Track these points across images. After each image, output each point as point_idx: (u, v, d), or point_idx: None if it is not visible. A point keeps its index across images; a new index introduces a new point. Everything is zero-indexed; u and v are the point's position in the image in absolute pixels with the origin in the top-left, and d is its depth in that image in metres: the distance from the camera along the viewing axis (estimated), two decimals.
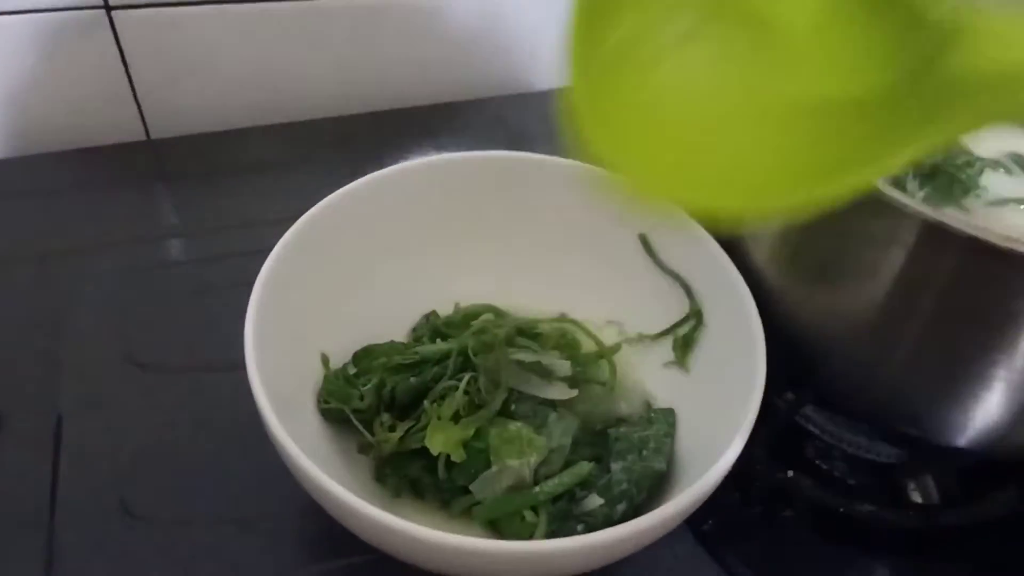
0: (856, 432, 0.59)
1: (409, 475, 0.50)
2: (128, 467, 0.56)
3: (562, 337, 0.56)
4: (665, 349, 0.57)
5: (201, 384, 0.60)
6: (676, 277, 0.57)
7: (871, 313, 0.49)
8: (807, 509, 0.57)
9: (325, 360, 0.54)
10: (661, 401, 0.56)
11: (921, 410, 0.52)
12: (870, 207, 0.45)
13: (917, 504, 0.59)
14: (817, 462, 0.60)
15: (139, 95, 0.78)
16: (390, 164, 0.58)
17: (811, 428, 0.60)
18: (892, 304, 0.48)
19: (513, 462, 0.48)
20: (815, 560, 0.55)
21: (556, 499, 0.48)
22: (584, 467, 0.48)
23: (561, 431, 0.50)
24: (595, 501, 0.47)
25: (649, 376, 0.57)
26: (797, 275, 0.53)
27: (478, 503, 0.49)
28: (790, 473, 0.58)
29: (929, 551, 0.56)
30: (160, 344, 0.63)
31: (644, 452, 0.49)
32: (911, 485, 0.59)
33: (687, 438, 0.53)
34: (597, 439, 0.52)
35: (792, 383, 0.58)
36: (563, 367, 0.53)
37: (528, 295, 0.60)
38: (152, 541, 0.53)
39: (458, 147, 0.60)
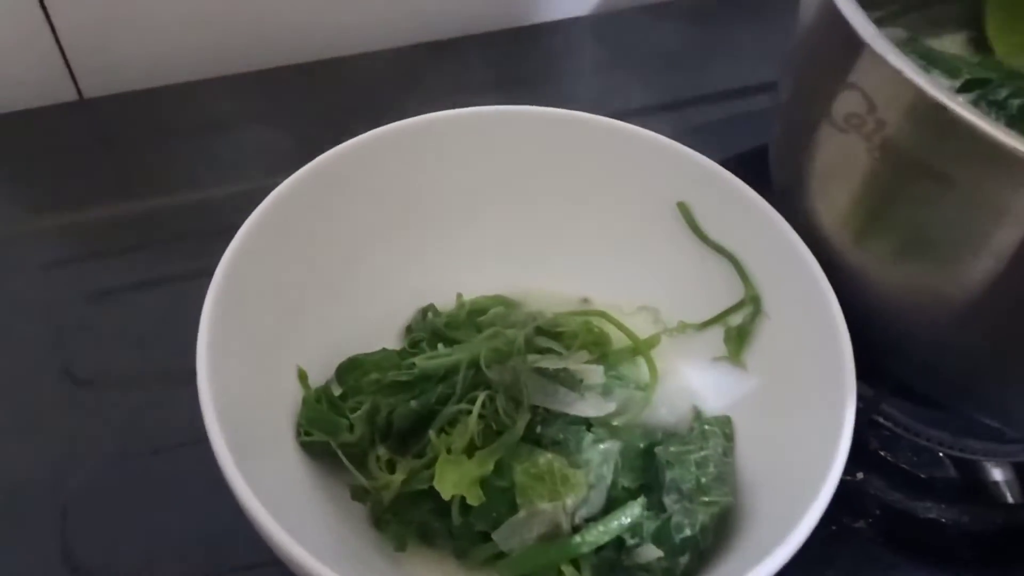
0: (940, 426, 0.50)
1: (415, 521, 0.41)
2: (69, 507, 0.47)
3: (588, 332, 0.46)
4: (712, 341, 0.48)
5: (156, 401, 0.51)
6: (726, 254, 0.47)
7: (975, 289, 0.40)
8: (883, 518, 0.49)
9: (303, 376, 0.44)
10: (711, 406, 0.47)
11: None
12: (983, 157, 0.35)
13: (1006, 503, 0.50)
14: (883, 454, 0.51)
15: (65, 47, 0.67)
16: (371, 118, 0.48)
17: (881, 420, 0.51)
18: (1004, 277, 0.38)
19: (545, 505, 0.38)
20: None
21: (600, 548, 0.39)
22: (634, 510, 0.39)
23: (601, 458, 0.41)
24: (652, 552, 0.38)
25: (694, 375, 0.48)
26: (880, 247, 0.43)
27: (503, 554, 0.40)
28: (859, 475, 0.49)
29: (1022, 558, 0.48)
30: (103, 353, 0.54)
31: (703, 480, 0.40)
32: (994, 479, 0.51)
33: (747, 449, 0.44)
34: (641, 461, 0.42)
35: (865, 374, 0.49)
36: (595, 373, 0.44)
37: (543, 279, 0.51)
38: None
39: (452, 97, 0.51)
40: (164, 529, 0.46)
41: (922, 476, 0.50)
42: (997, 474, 0.51)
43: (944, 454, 0.51)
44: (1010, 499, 0.50)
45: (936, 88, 0.35)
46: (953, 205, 0.38)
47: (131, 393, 0.52)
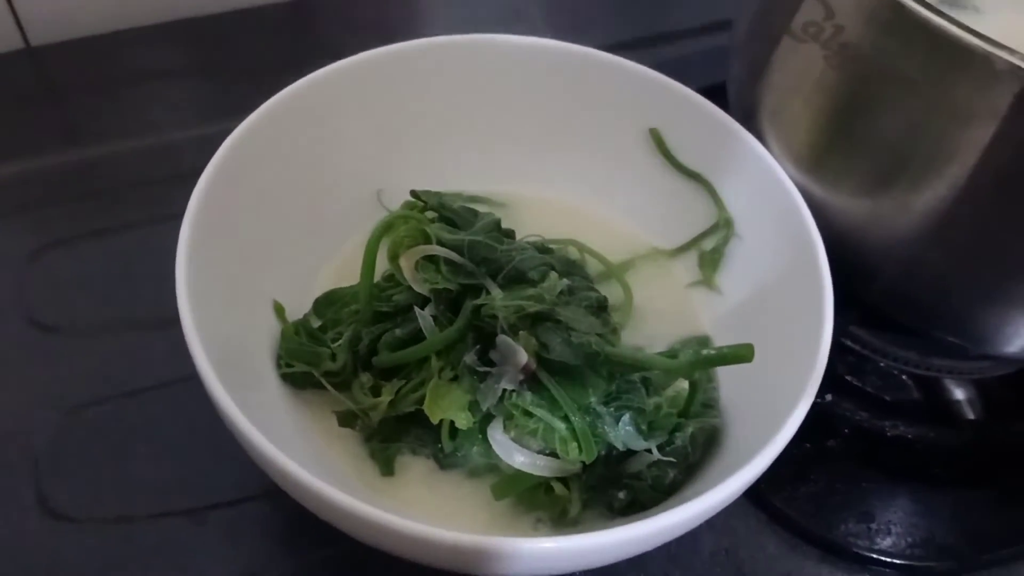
0: (907, 347, 0.51)
1: (402, 448, 0.41)
2: (45, 454, 0.46)
3: (567, 265, 0.46)
4: (687, 267, 0.49)
5: (124, 347, 0.50)
6: (698, 179, 0.47)
7: (939, 200, 0.40)
8: (853, 437, 0.50)
9: (280, 310, 0.44)
10: (686, 330, 0.47)
11: (1000, 317, 0.44)
12: (942, 56, 0.36)
13: (968, 420, 0.51)
14: (849, 378, 0.52)
15: None
16: (330, 59, 0.47)
17: (848, 343, 0.52)
18: (968, 186, 0.39)
19: (534, 444, 0.39)
20: (869, 496, 0.48)
21: (588, 465, 0.39)
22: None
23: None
24: (643, 460, 0.38)
25: (670, 300, 0.48)
26: (843, 163, 0.44)
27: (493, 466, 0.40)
28: (828, 397, 0.50)
29: (986, 474, 0.50)
30: (68, 300, 0.52)
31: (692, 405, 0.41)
32: (955, 398, 0.52)
33: (726, 370, 0.44)
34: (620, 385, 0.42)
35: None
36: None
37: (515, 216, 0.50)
38: (82, 545, 0.44)
39: (408, 30, 0.49)
40: (144, 473, 0.45)
41: (887, 399, 0.51)
42: (959, 393, 0.52)
43: (909, 375, 0.52)
44: (971, 416, 0.51)
45: None
46: (914, 109, 0.38)
47: (101, 340, 0.50)
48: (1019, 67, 0.33)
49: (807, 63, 0.43)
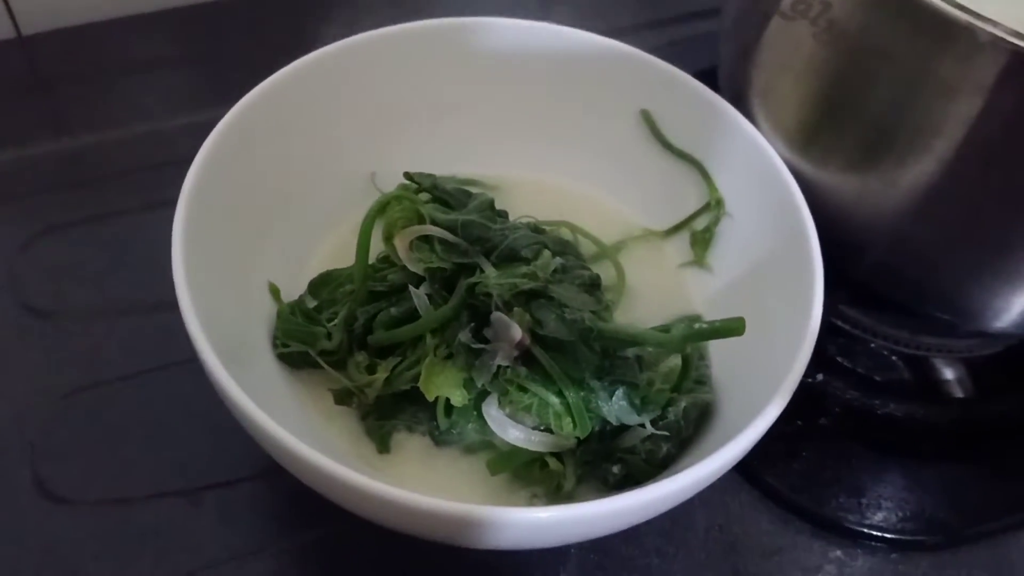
0: (898, 325, 0.51)
1: (399, 425, 0.41)
2: (41, 438, 0.46)
3: (560, 245, 0.47)
4: (679, 247, 0.49)
5: (118, 331, 0.50)
6: (689, 160, 0.48)
7: (936, 180, 0.41)
8: (843, 415, 0.50)
9: (275, 291, 0.44)
10: (678, 309, 0.48)
11: (989, 292, 0.45)
12: (926, 29, 0.36)
13: (956, 398, 0.52)
14: (840, 359, 0.53)
15: None
16: (320, 46, 0.47)
17: (839, 323, 0.53)
18: (963, 166, 0.39)
19: (528, 420, 0.39)
20: (860, 472, 0.48)
21: (583, 440, 0.39)
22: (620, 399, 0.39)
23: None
24: (637, 435, 0.39)
25: (662, 280, 0.49)
26: (833, 140, 0.44)
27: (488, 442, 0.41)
28: (819, 376, 0.51)
29: (974, 450, 0.50)
30: (62, 287, 0.52)
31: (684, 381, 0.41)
32: (945, 378, 0.53)
33: (716, 347, 0.45)
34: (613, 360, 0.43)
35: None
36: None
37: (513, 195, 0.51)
38: (79, 527, 0.44)
39: (403, 13, 0.50)
40: (139, 455, 0.45)
41: (877, 379, 0.52)
42: (948, 373, 0.53)
43: (899, 356, 0.52)
44: (960, 394, 0.52)
45: None
46: (901, 85, 0.39)
47: (94, 324, 0.50)
48: (1002, 39, 0.34)
49: (796, 41, 0.43)
